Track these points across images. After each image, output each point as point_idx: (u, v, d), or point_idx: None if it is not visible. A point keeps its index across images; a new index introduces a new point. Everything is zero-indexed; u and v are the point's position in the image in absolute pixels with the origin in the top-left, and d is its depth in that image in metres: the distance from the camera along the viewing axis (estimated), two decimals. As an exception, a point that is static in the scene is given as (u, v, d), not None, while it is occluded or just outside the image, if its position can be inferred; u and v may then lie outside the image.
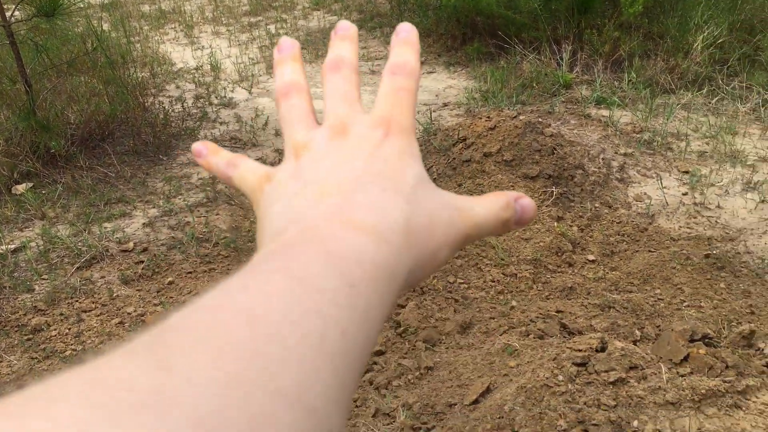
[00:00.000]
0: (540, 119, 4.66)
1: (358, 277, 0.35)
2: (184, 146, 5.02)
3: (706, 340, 2.77)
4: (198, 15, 8.71)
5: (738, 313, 3.10)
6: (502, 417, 2.39)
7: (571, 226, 3.93)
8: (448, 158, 4.54)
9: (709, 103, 5.25)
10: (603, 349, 2.61)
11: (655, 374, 2.43)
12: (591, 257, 3.72)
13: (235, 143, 5.06)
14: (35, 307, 3.36)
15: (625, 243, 3.81)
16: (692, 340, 2.74)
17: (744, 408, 2.24)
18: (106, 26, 7.44)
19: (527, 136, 4.40)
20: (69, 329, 3.21)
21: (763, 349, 2.70)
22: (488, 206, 0.46)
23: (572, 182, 4.23)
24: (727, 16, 5.80)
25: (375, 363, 2.98)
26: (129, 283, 3.55)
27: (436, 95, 5.81)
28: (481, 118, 4.71)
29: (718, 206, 4.01)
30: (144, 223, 4.06)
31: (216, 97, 5.90)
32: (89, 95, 5.12)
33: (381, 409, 2.64)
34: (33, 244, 3.86)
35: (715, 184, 4.19)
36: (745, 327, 2.83)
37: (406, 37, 0.51)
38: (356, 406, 2.71)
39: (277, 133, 5.19)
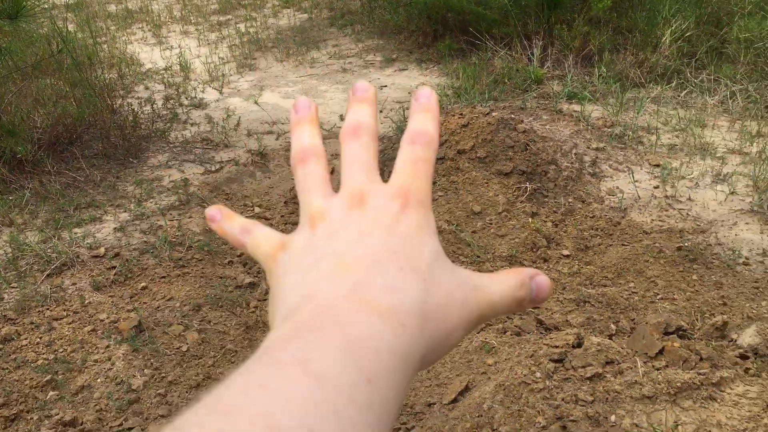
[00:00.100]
0: (512, 115, 4.68)
1: (375, 370, 0.35)
2: (154, 148, 4.96)
3: (680, 333, 2.80)
4: (166, 14, 8.60)
5: (711, 305, 3.14)
6: (481, 415, 2.39)
7: (545, 221, 3.95)
8: (422, 156, 4.53)
9: (678, 96, 5.31)
10: (579, 345, 2.63)
11: (631, 368, 2.45)
12: (565, 252, 3.74)
13: (207, 144, 5.01)
14: (4, 316, 3.29)
15: (598, 237, 3.84)
16: (666, 333, 2.77)
17: (719, 400, 2.26)
18: (71, 27, 7.32)
19: (500, 132, 4.42)
20: (40, 338, 3.15)
21: (736, 340, 2.74)
22: (503, 285, 0.46)
23: (546, 178, 4.25)
24: (694, 9, 5.87)
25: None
26: (101, 289, 3.49)
27: (409, 93, 5.81)
28: (454, 116, 4.71)
29: (689, 199, 4.06)
30: (115, 228, 3.99)
31: (186, 98, 5.83)
32: (56, 98, 5.03)
33: (360, 410, 2.63)
34: (1, 251, 3.78)
35: (686, 177, 4.24)
36: (718, 318, 2.87)
37: (425, 103, 0.51)
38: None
39: (249, 134, 5.14)
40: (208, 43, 7.38)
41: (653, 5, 5.92)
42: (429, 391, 2.68)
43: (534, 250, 3.72)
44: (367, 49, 6.93)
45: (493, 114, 4.57)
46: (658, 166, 4.39)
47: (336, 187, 0.48)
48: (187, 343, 3.10)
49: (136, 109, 5.34)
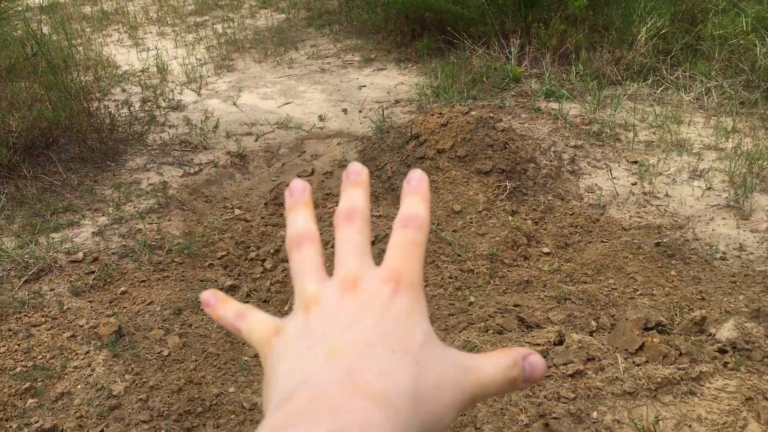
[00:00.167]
0: (491, 114, 4.69)
1: None
2: (132, 151, 4.91)
3: (660, 328, 2.83)
4: (142, 15, 8.52)
5: (689, 300, 3.18)
6: (465, 414, 2.40)
7: (525, 219, 3.98)
8: (402, 156, 4.54)
9: (655, 93, 5.37)
10: (561, 342, 2.64)
11: (612, 365, 2.47)
12: (546, 250, 3.76)
13: (186, 147, 4.97)
14: (-19, 324, 3.25)
15: (578, 234, 3.86)
16: (646, 329, 2.80)
17: (699, 394, 2.29)
18: (46, 29, 7.22)
19: (479, 131, 4.43)
20: (18, 345, 3.11)
21: (714, 335, 2.77)
22: (496, 365, 0.46)
23: (525, 176, 4.28)
24: (669, 6, 5.94)
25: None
26: (80, 294, 3.45)
27: (388, 92, 5.81)
28: (433, 115, 4.72)
29: (667, 195, 4.10)
30: (93, 232, 3.95)
31: (164, 100, 5.78)
32: (31, 102, 4.96)
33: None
34: (-24, 258, 3.73)
35: (663, 173, 4.29)
36: (697, 313, 2.90)
37: (416, 186, 0.52)
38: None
39: (228, 135, 5.11)
40: (185, 45, 7.32)
41: (629, 3, 5.97)
42: (412, 391, 2.68)
43: (514, 248, 3.74)
44: (345, 49, 6.92)
45: (472, 113, 4.59)
46: (635, 162, 4.43)
47: (330, 269, 0.49)
48: (168, 348, 3.07)
49: (113, 112, 5.29)
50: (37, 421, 2.69)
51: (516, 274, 3.53)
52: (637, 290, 3.33)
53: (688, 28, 5.86)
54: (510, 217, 3.97)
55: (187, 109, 5.64)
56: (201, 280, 3.56)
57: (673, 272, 3.45)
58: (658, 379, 2.33)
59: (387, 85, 5.96)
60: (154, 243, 3.83)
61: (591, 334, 2.90)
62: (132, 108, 5.52)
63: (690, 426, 2.17)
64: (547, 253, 3.74)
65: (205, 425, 2.67)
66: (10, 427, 2.68)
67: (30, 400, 2.80)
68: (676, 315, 3.03)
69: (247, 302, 3.41)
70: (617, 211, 4.02)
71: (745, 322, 2.79)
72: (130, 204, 4.23)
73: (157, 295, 3.43)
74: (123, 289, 3.48)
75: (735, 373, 2.44)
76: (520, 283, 3.47)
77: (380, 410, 0.38)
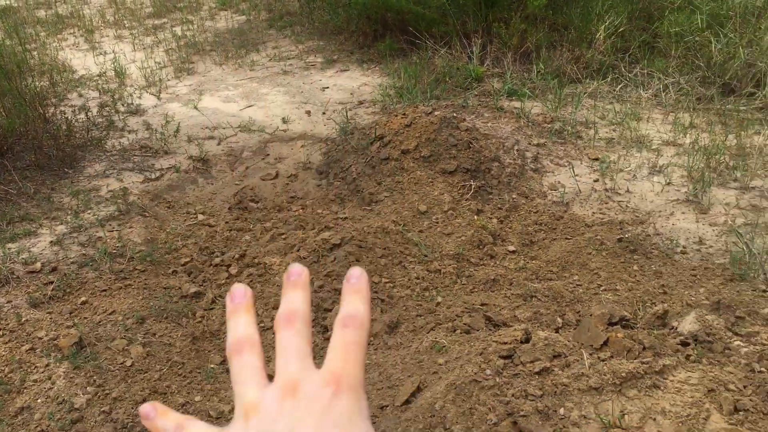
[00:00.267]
0: (455, 114, 4.71)
1: None
2: (90, 157, 4.81)
3: (624, 323, 2.86)
4: (98, 19, 8.36)
5: (652, 294, 3.22)
6: (434, 415, 2.40)
7: (490, 218, 4.00)
8: (367, 157, 4.53)
9: (614, 90, 5.45)
10: (527, 340, 2.66)
11: (578, 361, 2.49)
12: (511, 248, 3.79)
13: (146, 152, 4.89)
14: (-64, 339, 3.14)
15: (542, 232, 3.90)
16: (611, 324, 2.83)
17: (662, 388, 2.32)
18: (-1, 34, 7.04)
19: (443, 131, 4.44)
20: (-25, 360, 3.02)
21: (676, 328, 2.82)
22: None
23: (489, 175, 4.30)
24: (626, 5, 6.02)
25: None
26: (38, 305, 3.37)
27: (351, 93, 5.79)
28: (397, 116, 4.72)
29: (628, 191, 4.16)
30: (51, 241, 3.86)
31: (122, 105, 5.68)
32: (-16, 108, 4.83)
33: (312, 417, 2.60)
34: (-71, 271, 3.61)
35: (624, 170, 4.35)
36: (659, 307, 2.94)
37: (356, 284, 0.53)
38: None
39: (190, 140, 5.04)
40: (144, 48, 7.21)
41: (587, 2, 6.05)
42: (381, 393, 2.67)
43: (480, 247, 3.76)
44: (307, 51, 6.88)
45: (436, 113, 4.60)
46: (597, 159, 4.49)
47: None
48: (132, 358, 3.01)
49: (69, 118, 5.17)
50: (-4, 438, 2.61)
51: (482, 273, 3.55)
52: (601, 286, 3.37)
53: (645, 26, 5.96)
54: (475, 217, 3.98)
55: (146, 113, 5.55)
56: (164, 288, 3.51)
57: (635, 267, 3.49)
58: (623, 374, 2.36)
59: (350, 87, 5.94)
60: (114, 251, 3.76)
61: (557, 330, 2.92)
62: (89, 113, 5.41)
63: (654, 419, 2.20)
64: (513, 252, 3.76)
65: (171, 435, 2.62)
66: (-32, 444, 2.61)
67: (-12, 416, 2.72)
68: (639, 309, 3.07)
69: (212, 308, 3.38)
70: (580, 208, 4.06)
71: (706, 315, 2.84)
72: (89, 211, 4.15)
73: (119, 305, 3.36)
74: (83, 299, 3.40)
75: (697, 366, 2.48)
76: (487, 281, 3.48)
77: None
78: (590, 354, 2.57)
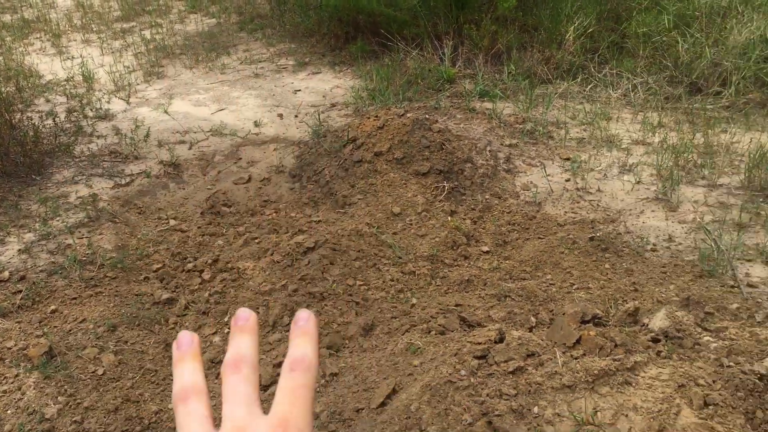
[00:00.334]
0: (427, 115, 4.73)
1: None
2: (59, 164, 4.74)
3: (596, 321, 2.89)
4: (65, 23, 8.24)
5: (623, 292, 3.26)
6: (409, 417, 2.40)
7: (464, 219, 4.01)
8: (340, 159, 4.53)
9: (584, 90, 5.51)
10: (501, 340, 2.67)
11: (551, 359, 2.51)
12: (485, 248, 3.81)
13: (116, 157, 4.83)
14: None
15: (516, 232, 3.92)
16: (583, 322, 2.86)
17: (634, 384, 2.35)
18: (-37, 38, 6.91)
19: (416, 133, 4.45)
20: (-59, 372, 2.96)
21: (647, 325, 2.85)
22: None
23: (462, 176, 4.32)
24: (594, 6, 6.09)
25: (278, 375, 2.93)
26: (7, 315, 3.31)
27: (323, 96, 5.78)
28: (369, 118, 4.72)
29: (599, 190, 4.21)
30: (20, 250, 3.79)
31: (91, 110, 5.60)
32: (-52, 115, 4.73)
33: (287, 422, 2.59)
34: None
35: (595, 169, 4.40)
36: (630, 305, 2.98)
37: (304, 327, 0.53)
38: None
39: (160, 144, 4.99)
40: (112, 52, 7.12)
41: (556, 3, 6.11)
42: (357, 396, 2.67)
43: (454, 248, 3.77)
44: (279, 54, 6.85)
45: (408, 115, 4.61)
46: (568, 159, 4.53)
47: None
48: (103, 366, 2.97)
49: (36, 124, 5.08)
50: (-35, 451, 2.56)
51: (457, 274, 3.56)
52: (574, 284, 3.40)
53: (614, 26, 6.03)
54: (449, 218, 4.00)
55: (116, 118, 5.49)
56: (136, 295, 3.47)
57: (607, 265, 3.53)
58: (595, 371, 2.38)
59: (322, 89, 5.93)
60: (84, 258, 3.71)
61: (531, 330, 2.95)
62: (57, 119, 5.33)
63: (627, 415, 2.22)
64: (487, 252, 3.78)
65: (145, 444, 2.60)
66: (-65, 458, 2.55)
67: (-44, 429, 2.67)
68: (611, 307, 3.11)
69: (186, 315, 3.34)
70: (552, 208, 4.10)
71: (676, 311, 2.88)
72: (58, 219, 4.09)
73: (89, 312, 3.31)
74: (53, 307, 3.35)
75: (668, 362, 2.52)
76: (461, 282, 3.50)
77: None
78: (563, 352, 2.59)
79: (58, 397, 2.79)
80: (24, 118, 5.14)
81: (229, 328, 2.88)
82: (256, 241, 3.89)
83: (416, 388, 2.52)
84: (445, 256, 3.71)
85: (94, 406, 2.76)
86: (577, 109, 5.20)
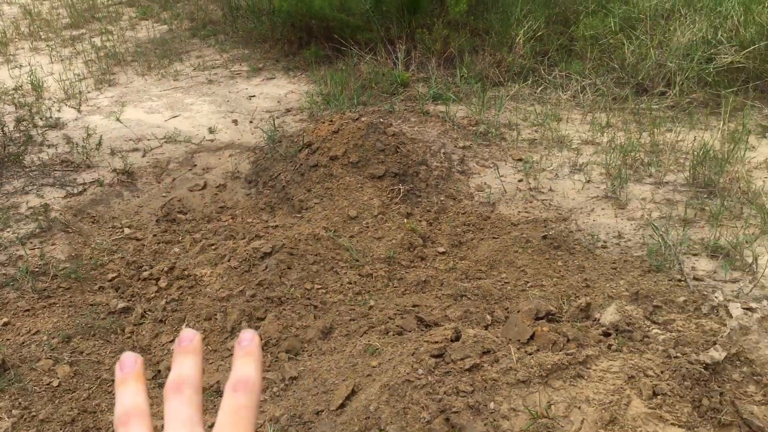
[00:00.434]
0: (381, 119, 4.77)
1: None
2: (8, 174, 4.64)
3: (550, 317, 2.97)
4: (12, 30, 8.06)
5: (575, 288, 3.35)
6: (369, 417, 2.43)
7: (420, 221, 4.06)
8: (296, 164, 4.54)
9: (535, 92, 5.62)
10: (457, 338, 2.72)
11: (506, 356, 2.57)
12: (441, 249, 3.86)
13: (67, 166, 4.75)
14: None
15: (471, 232, 3.99)
16: (537, 318, 2.93)
17: (586, 377, 2.42)
18: None
19: (371, 136, 4.49)
20: None
21: (599, 319, 2.94)
22: None
23: (417, 178, 4.37)
24: (543, 9, 6.23)
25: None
26: (-44, 330, 3.24)
27: (278, 101, 5.78)
28: (324, 122, 4.74)
29: (551, 189, 4.30)
30: (-31, 263, 3.71)
31: (41, 119, 5.49)
32: None
33: (248, 427, 2.59)
34: None
35: (546, 169, 4.50)
36: (582, 300, 3.06)
37: (247, 347, 0.53)
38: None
39: (113, 152, 4.93)
40: (62, 60, 6.99)
41: (506, 7, 6.22)
42: (316, 399, 2.69)
43: (411, 249, 3.82)
44: (232, 59, 6.82)
45: (363, 119, 4.65)
46: (520, 160, 4.62)
47: None
48: (58, 378, 2.93)
49: (-16, 133, 4.98)
50: None
51: (413, 275, 3.61)
52: (528, 282, 3.48)
53: (562, 29, 6.17)
54: (405, 220, 4.04)
55: (66, 127, 5.39)
56: (91, 305, 3.42)
57: (559, 263, 3.62)
58: (549, 366, 2.45)
59: (277, 95, 5.93)
60: (37, 269, 3.64)
61: (486, 328, 3.00)
62: (5, 128, 5.21)
63: (579, 407, 2.29)
64: (443, 253, 3.84)
65: (103, 455, 2.57)
66: None
67: None
68: (563, 303, 3.19)
69: (142, 323, 3.31)
70: (506, 208, 4.18)
71: (626, 305, 2.97)
72: (8, 230, 4.00)
73: (43, 324, 3.26)
74: (5, 320, 3.29)
75: (618, 354, 2.60)
76: (418, 283, 3.54)
77: None
78: (518, 348, 2.65)
79: (12, 411, 2.74)
80: (-30, 128, 5.02)
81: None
82: (213, 247, 3.88)
83: (375, 389, 2.55)
84: (401, 257, 3.76)
85: (49, 418, 2.72)
86: (529, 110, 5.30)
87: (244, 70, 6.54)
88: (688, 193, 4.11)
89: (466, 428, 2.27)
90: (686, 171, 4.29)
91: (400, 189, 4.25)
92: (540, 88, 5.64)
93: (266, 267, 3.56)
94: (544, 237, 3.81)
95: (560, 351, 2.58)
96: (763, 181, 4.14)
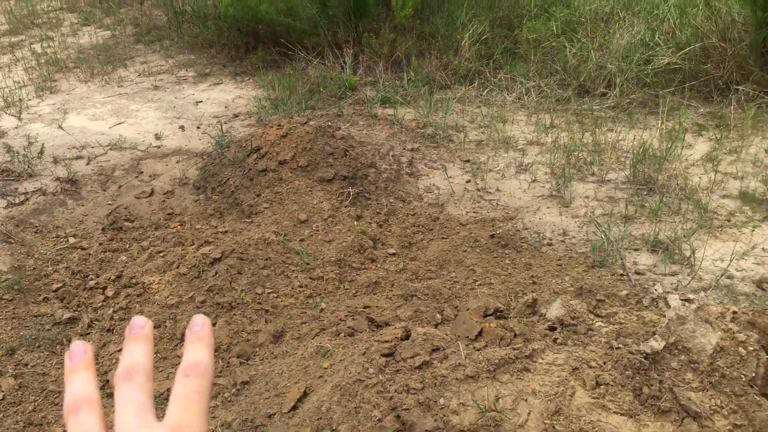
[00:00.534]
0: (330, 123, 4.79)
1: None
2: (-55, 185, 4.50)
3: (498, 314, 3.03)
4: (-52, 37, 7.83)
5: (522, 285, 3.42)
6: (321, 418, 2.44)
7: (370, 223, 4.09)
8: (244, 169, 4.52)
9: (481, 95, 5.72)
10: (407, 337, 2.76)
11: (455, 352, 2.62)
12: (391, 251, 3.90)
13: (8, 176, 4.63)
14: None
15: (420, 233, 4.04)
16: (486, 315, 2.98)
17: (532, 370, 2.48)
18: None
19: (319, 140, 4.51)
20: None
21: (545, 314, 3.01)
22: None
23: (367, 181, 4.40)
24: (487, 13, 6.34)
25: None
26: None
27: (226, 107, 5.74)
28: (272, 127, 4.73)
29: (498, 189, 4.39)
30: None
31: (-21, 127, 5.35)
32: None
33: (199, 433, 2.57)
34: None
35: (493, 170, 4.58)
36: (529, 297, 3.13)
37: (199, 332, 0.53)
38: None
39: (56, 161, 4.82)
40: (0, 67, 6.81)
41: (451, 11, 6.31)
42: (268, 402, 2.69)
43: (361, 251, 3.84)
44: (178, 65, 6.75)
45: (311, 123, 4.66)
46: (468, 161, 4.70)
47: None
48: (2, 391, 2.86)
49: None
50: None
51: (364, 277, 3.63)
52: (477, 281, 3.54)
53: (507, 33, 6.29)
54: (355, 222, 4.06)
55: (7, 135, 5.26)
56: (35, 316, 3.35)
57: (507, 261, 3.69)
58: (496, 361, 2.50)
59: (224, 100, 5.89)
60: (-23, 281, 3.55)
61: (436, 326, 3.05)
62: (-58, 138, 5.06)
63: (526, 400, 2.35)
64: (393, 254, 3.87)
65: (50, 468, 2.52)
66: None
67: None
68: (511, 300, 3.26)
69: (89, 333, 3.26)
70: (455, 208, 4.24)
71: (571, 300, 3.05)
72: (-54, 242, 3.89)
73: (-15, 337, 3.18)
74: (-56, 334, 3.19)
75: (563, 347, 2.67)
76: (369, 285, 3.57)
77: None
78: (466, 345, 2.70)
79: (-47, 427, 2.67)
80: None
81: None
82: (161, 254, 3.83)
83: (326, 390, 2.57)
84: (352, 260, 3.78)
85: (-8, 433, 2.65)
86: (475, 112, 5.39)
87: (191, 75, 6.47)
88: (629, 190, 4.24)
89: (417, 425, 2.30)
90: (627, 169, 4.43)
91: (349, 192, 4.28)
92: (486, 91, 5.74)
93: (216, 273, 3.53)
94: (492, 236, 3.88)
95: (507, 346, 2.64)
96: (700, 178, 4.30)
